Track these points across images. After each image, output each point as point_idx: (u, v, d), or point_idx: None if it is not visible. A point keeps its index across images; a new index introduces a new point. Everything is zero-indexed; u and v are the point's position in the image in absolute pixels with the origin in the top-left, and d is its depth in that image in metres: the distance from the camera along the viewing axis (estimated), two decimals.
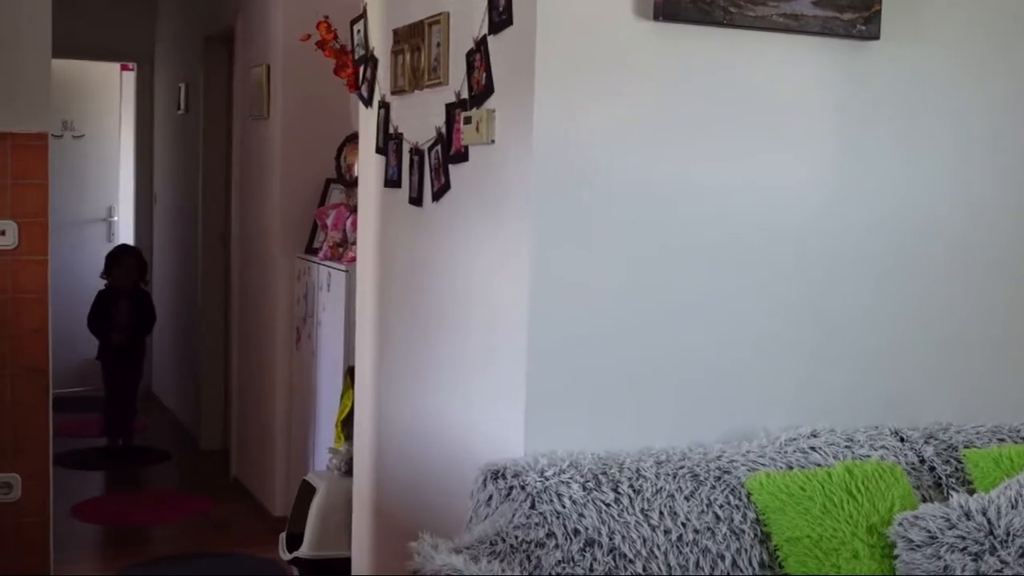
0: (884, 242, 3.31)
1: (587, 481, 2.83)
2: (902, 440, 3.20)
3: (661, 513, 2.83)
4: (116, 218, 8.31)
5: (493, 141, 3.14)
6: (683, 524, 2.83)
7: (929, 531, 2.81)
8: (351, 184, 4.76)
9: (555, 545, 2.73)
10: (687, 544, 2.81)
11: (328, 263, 4.71)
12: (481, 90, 3.18)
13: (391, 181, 3.81)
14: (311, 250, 5.08)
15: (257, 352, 5.56)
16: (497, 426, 3.11)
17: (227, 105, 6.50)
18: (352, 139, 4.81)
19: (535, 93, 2.93)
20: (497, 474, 2.88)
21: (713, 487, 2.92)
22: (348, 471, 4.36)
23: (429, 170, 3.51)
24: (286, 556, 4.37)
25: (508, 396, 3.06)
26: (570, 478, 2.82)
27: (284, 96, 5.15)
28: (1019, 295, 3.49)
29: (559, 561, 2.72)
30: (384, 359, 3.91)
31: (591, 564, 2.72)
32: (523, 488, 2.82)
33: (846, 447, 3.11)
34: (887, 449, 3.14)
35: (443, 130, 3.42)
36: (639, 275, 3.07)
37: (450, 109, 3.37)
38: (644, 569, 2.74)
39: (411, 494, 3.69)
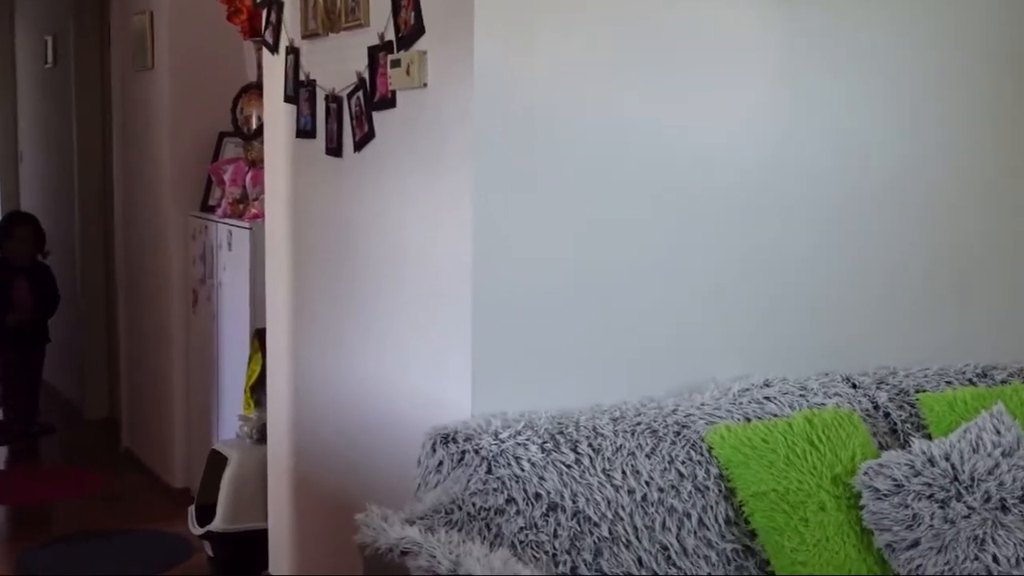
0: (828, 188, 3.22)
1: (545, 442, 2.68)
2: (854, 387, 3.13)
3: (623, 472, 2.70)
4: None
5: (425, 85, 2.94)
6: (647, 483, 2.70)
7: (895, 479, 2.74)
8: (249, 137, 4.50)
9: (516, 511, 2.58)
10: (652, 504, 2.68)
11: (229, 221, 4.45)
12: (410, 30, 2.98)
13: (304, 131, 3.58)
14: (207, 208, 4.81)
15: (148, 317, 5.27)
16: (439, 389, 2.94)
17: (101, 57, 6.13)
18: (249, 89, 4.55)
19: (475, 32, 2.74)
20: (447, 438, 2.72)
21: (673, 443, 2.80)
22: (260, 439, 4.14)
23: (350, 118, 3.30)
24: (197, 531, 4.14)
25: (451, 357, 2.89)
26: (527, 439, 2.68)
27: (171, 45, 4.84)
28: (957, 240, 3.44)
29: (521, 528, 2.57)
30: (301, 321, 3.70)
31: (555, 529, 2.58)
32: (477, 452, 2.66)
33: (800, 396, 3.02)
34: (841, 396, 3.06)
35: (365, 75, 3.21)
36: (585, 227, 2.92)
37: (373, 52, 3.16)
38: (610, 532, 2.61)
39: (338, 461, 3.50)
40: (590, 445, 2.72)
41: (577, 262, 2.92)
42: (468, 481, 2.64)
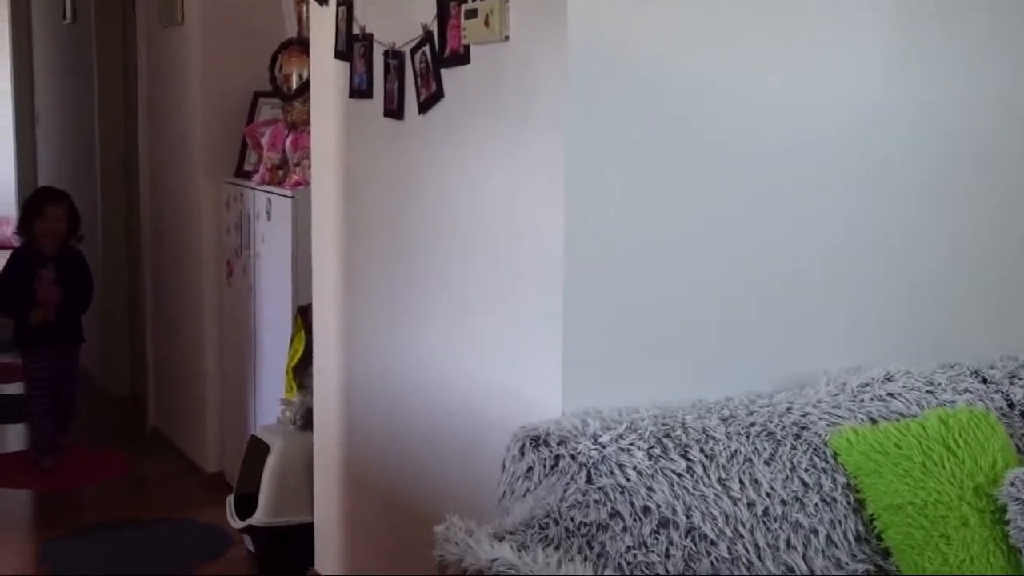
0: (949, 157, 2.87)
1: (651, 447, 2.35)
2: (984, 381, 2.79)
3: (741, 482, 2.37)
4: None
5: (507, 38, 2.60)
6: (768, 495, 2.37)
7: None
8: (289, 97, 4.15)
9: (622, 527, 2.26)
10: (775, 519, 2.35)
11: (268, 188, 4.11)
12: None
13: (358, 91, 3.24)
14: (242, 173, 4.47)
15: (178, 289, 4.94)
16: (523, 382, 2.61)
17: (123, 13, 5.77)
18: (289, 45, 4.20)
19: None
20: (538, 440, 2.39)
21: (793, 447, 2.47)
22: (305, 424, 3.82)
23: (413, 76, 2.95)
24: (237, 524, 3.82)
25: (538, 346, 2.55)
26: (631, 444, 2.34)
27: None
28: None
29: (629, 547, 2.24)
30: (353, 300, 3.37)
31: (666, 548, 2.26)
32: (574, 458, 2.33)
33: (927, 392, 2.68)
34: (971, 393, 2.72)
35: (432, 27, 2.86)
36: (687, 201, 2.58)
37: (443, 2, 2.81)
38: (729, 552, 2.28)
39: (396, 456, 3.17)
40: (701, 450, 2.38)
41: (678, 241, 2.58)
42: (564, 491, 2.31)
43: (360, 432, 3.39)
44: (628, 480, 2.29)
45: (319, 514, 3.69)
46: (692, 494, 2.31)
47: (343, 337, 3.45)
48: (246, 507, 3.82)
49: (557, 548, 2.24)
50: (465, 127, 2.78)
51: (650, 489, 2.29)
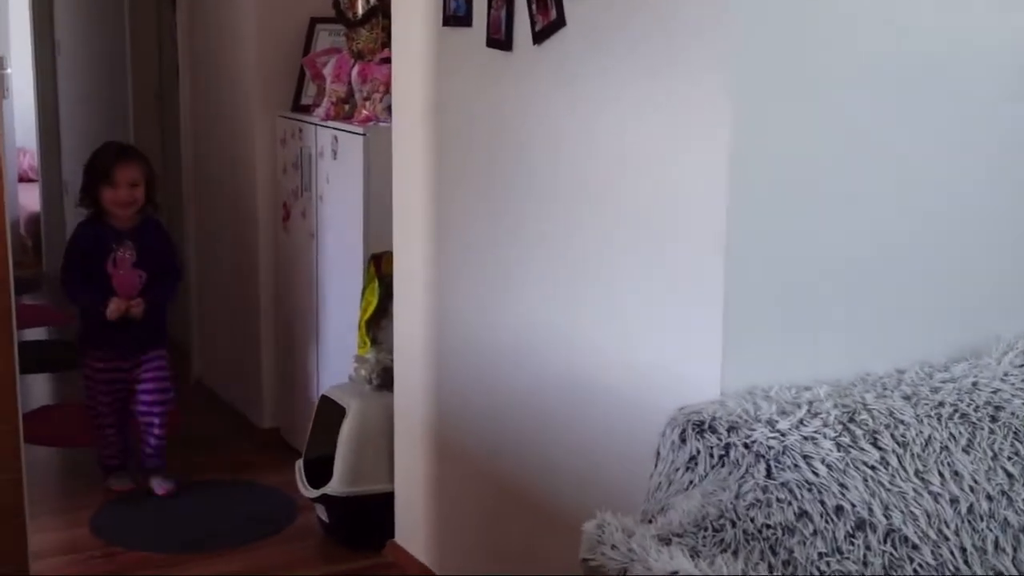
0: None
1: (838, 435, 2.04)
2: None
3: (941, 475, 2.06)
4: (9, 70, 7.11)
5: None
6: (971, 488, 2.06)
7: None
8: (355, 23, 3.78)
9: (812, 531, 1.95)
10: (981, 517, 2.05)
11: (333, 124, 3.75)
12: None
13: (455, 18, 2.89)
14: (299, 107, 4.11)
15: (225, 232, 4.59)
16: (670, 353, 2.30)
17: None
18: None
19: None
20: (702, 426, 2.08)
21: (991, 431, 2.16)
22: (382, 384, 3.51)
23: (529, 2, 2.60)
24: (310, 492, 3.53)
25: (691, 314, 2.24)
26: (815, 431, 2.03)
27: None
28: None
29: (822, 554, 1.94)
30: (444, 253, 3.04)
31: (864, 555, 1.95)
32: (748, 448, 2.02)
33: None
34: None
35: None
36: (861, 144, 2.25)
37: None
38: (934, 556, 1.98)
39: (501, 428, 2.86)
40: (893, 438, 2.07)
41: (846, 192, 2.26)
42: (740, 487, 2.00)
43: (453, 397, 3.08)
44: (816, 475, 1.98)
45: (400, 483, 3.39)
46: (889, 490, 2.00)
47: (431, 293, 3.12)
48: (318, 473, 3.52)
49: (735, 554, 1.95)
50: (594, 61, 2.43)
51: (842, 485, 1.98)
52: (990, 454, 2.11)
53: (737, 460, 2.02)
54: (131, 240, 3.83)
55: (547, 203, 2.61)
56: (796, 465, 1.99)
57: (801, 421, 2.04)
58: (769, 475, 1.99)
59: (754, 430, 2.03)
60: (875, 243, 2.30)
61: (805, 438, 2.01)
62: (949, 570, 1.98)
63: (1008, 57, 2.36)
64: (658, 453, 2.15)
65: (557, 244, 2.59)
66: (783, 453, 2.00)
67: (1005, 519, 2.05)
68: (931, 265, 2.38)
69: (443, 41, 2.95)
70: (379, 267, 3.59)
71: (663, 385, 2.29)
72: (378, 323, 3.62)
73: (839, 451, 2.01)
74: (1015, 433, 2.16)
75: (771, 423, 2.04)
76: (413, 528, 3.36)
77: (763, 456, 2.00)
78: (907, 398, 2.18)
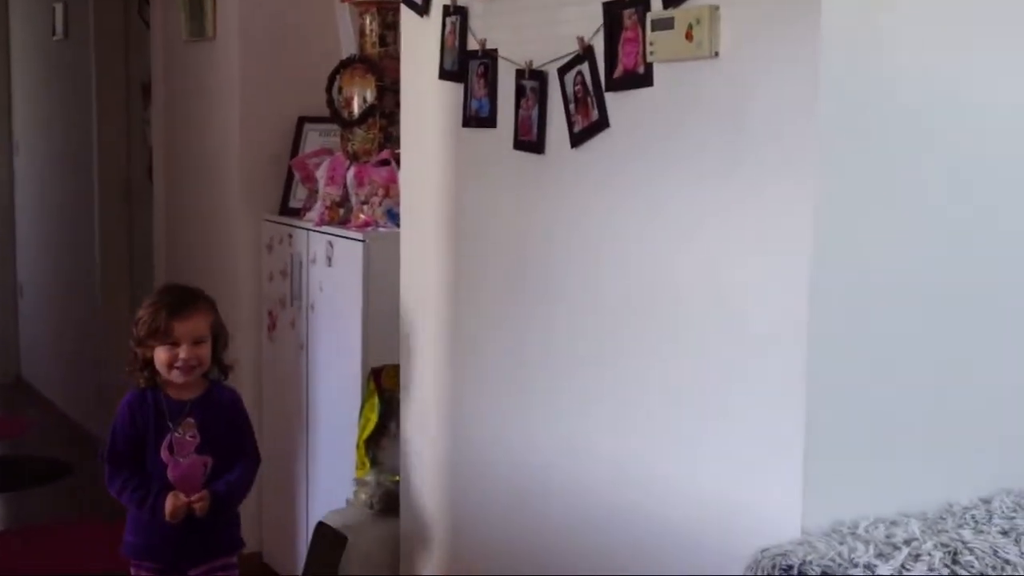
0: None
1: None
2: None
3: None
4: None
5: (717, 54, 2.07)
6: None
7: None
8: (351, 123, 3.59)
9: None
10: None
11: (328, 230, 3.54)
12: None
13: (477, 119, 2.70)
14: (287, 211, 3.90)
15: None
16: (741, 484, 2.07)
17: (126, 26, 5.18)
18: (350, 63, 3.63)
19: None
20: (790, 570, 1.85)
21: None
22: (385, 508, 3.26)
23: (564, 101, 2.42)
24: None
25: (766, 440, 2.02)
26: None
27: (240, 9, 3.90)
28: None
29: None
30: (461, 367, 2.82)
31: None
32: None
33: None
34: None
35: (592, 42, 2.33)
36: (951, 251, 2.07)
37: (613, 10, 2.28)
38: None
39: (533, 561, 2.62)
40: None
41: (925, 306, 2.07)
42: None
43: (470, 527, 2.83)
44: None
45: None
46: None
47: (442, 411, 2.90)
48: None
49: None
50: (642, 165, 2.24)
51: None
52: None
53: None
54: (193, 416, 2.93)
55: (586, 318, 2.40)
56: None
57: (903, 565, 1.82)
58: None
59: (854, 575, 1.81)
60: (958, 359, 2.11)
61: None
62: None
63: None
64: None
65: (599, 363, 2.37)
66: None
67: None
68: (1015, 381, 2.19)
69: (462, 143, 2.77)
70: (379, 382, 3.35)
71: (734, 521, 2.07)
72: (378, 442, 3.37)
73: None
74: None
75: (870, 567, 1.82)
76: None
77: None
78: (1005, 533, 1.97)
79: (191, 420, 2.93)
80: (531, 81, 2.52)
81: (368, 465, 3.36)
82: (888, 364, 2.03)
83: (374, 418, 3.36)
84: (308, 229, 3.66)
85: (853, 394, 2.00)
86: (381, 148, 3.55)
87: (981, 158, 2.07)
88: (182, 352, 2.86)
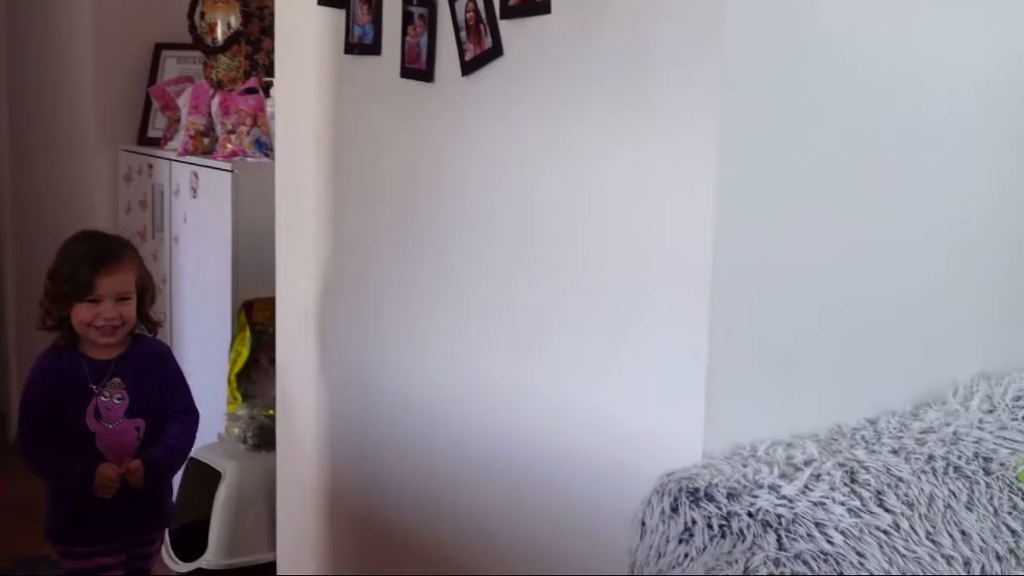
0: None
1: (847, 499, 1.89)
2: None
3: (951, 536, 1.94)
4: None
5: None
6: (981, 549, 1.95)
7: None
8: (215, 50, 3.48)
9: None
10: None
11: (193, 160, 3.44)
12: None
13: (360, 46, 2.64)
14: (146, 141, 3.76)
15: None
16: (645, 413, 2.10)
17: None
18: None
19: None
20: (697, 493, 1.89)
21: (988, 485, 2.05)
22: (259, 443, 3.22)
23: (455, 28, 2.38)
24: (179, 567, 3.19)
25: (667, 368, 2.05)
26: (823, 496, 1.88)
27: None
28: None
29: None
30: (344, 298, 2.78)
31: None
32: (754, 517, 1.85)
33: None
34: None
35: None
36: (845, 184, 2.12)
37: None
38: None
39: (420, 492, 2.61)
40: (898, 498, 1.94)
41: (829, 245, 2.12)
42: (748, 560, 1.83)
43: (353, 459, 2.81)
44: (832, 544, 1.83)
45: (284, 553, 3.09)
46: (905, 556, 1.87)
47: (323, 342, 2.85)
48: (188, 544, 3.19)
49: None
50: (540, 96, 2.23)
51: (860, 554, 1.83)
52: (991, 510, 2.01)
53: (742, 531, 1.85)
54: (119, 376, 2.61)
55: (483, 252, 2.38)
56: (809, 535, 1.83)
57: (807, 485, 1.88)
58: (781, 546, 1.82)
59: (757, 497, 1.86)
60: (843, 295, 2.17)
61: (814, 504, 1.86)
62: None
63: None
64: (643, 523, 1.95)
65: (498, 296, 2.36)
66: (794, 522, 1.84)
67: None
68: (889, 315, 2.26)
69: (344, 70, 2.70)
70: (250, 315, 3.29)
71: (638, 448, 2.10)
72: (250, 376, 3.33)
73: (851, 516, 1.86)
74: (1010, 487, 2.06)
75: (775, 488, 1.87)
76: None
77: (771, 526, 1.84)
78: (895, 452, 2.05)
79: (117, 380, 2.60)
80: (419, 8, 2.47)
81: (240, 399, 3.32)
82: (784, 298, 2.07)
83: (245, 352, 3.31)
84: (170, 159, 3.55)
85: (750, 325, 2.03)
86: (247, 76, 3.46)
87: (887, 92, 2.11)
88: (105, 310, 2.54)
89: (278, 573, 3.10)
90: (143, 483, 2.57)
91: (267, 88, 3.47)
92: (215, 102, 3.44)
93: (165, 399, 2.67)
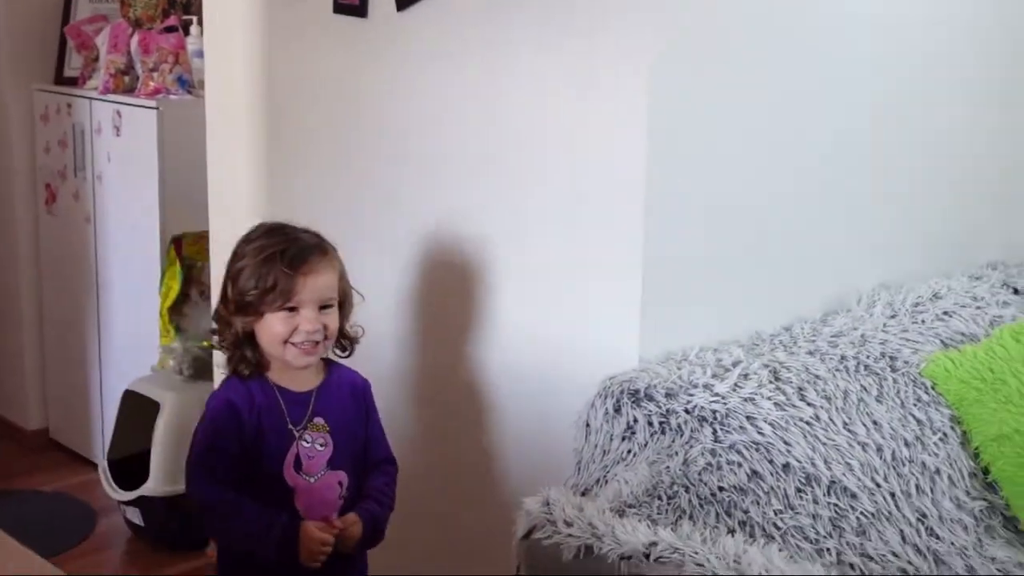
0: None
1: (773, 394, 2.08)
2: (1016, 292, 2.68)
3: (865, 426, 2.15)
4: None
5: None
6: (891, 436, 2.17)
7: None
8: None
9: (765, 489, 1.99)
10: (903, 462, 2.15)
11: (116, 98, 3.47)
12: None
13: None
14: (62, 80, 3.77)
15: None
16: (587, 325, 2.26)
17: None
18: None
19: None
20: (638, 394, 2.07)
21: (895, 380, 2.27)
22: (195, 374, 3.31)
23: None
24: (121, 495, 3.28)
25: (606, 286, 2.21)
26: (753, 392, 2.07)
27: None
28: None
29: (778, 511, 1.98)
30: None
31: (813, 508, 2.01)
32: (691, 413, 2.03)
33: (977, 308, 2.55)
34: (1011, 305, 2.62)
35: None
36: (757, 120, 2.30)
37: None
38: (871, 503, 2.06)
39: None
40: (817, 392, 2.14)
41: (745, 171, 2.31)
42: (687, 453, 2.01)
43: None
44: (762, 434, 2.02)
45: None
46: (825, 444, 2.07)
47: None
48: (128, 474, 3.28)
49: (692, 519, 1.96)
50: (477, 30, 2.35)
51: (786, 443, 2.03)
52: (899, 402, 2.23)
53: (680, 426, 2.03)
54: (322, 415, 2.03)
55: (422, 186, 2.50)
56: (741, 427, 2.02)
57: (737, 384, 2.07)
58: (716, 439, 2.01)
59: (693, 395, 2.04)
60: (760, 218, 2.35)
61: (745, 399, 2.04)
62: (884, 515, 2.07)
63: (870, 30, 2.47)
64: (587, 424, 2.12)
65: (438, 226, 2.49)
66: (727, 416, 2.02)
67: (923, 463, 2.17)
68: (799, 235, 2.45)
69: (273, 6, 2.78)
70: (180, 250, 3.37)
71: (580, 356, 2.26)
72: (180, 310, 3.41)
73: (778, 409, 2.05)
74: (914, 381, 2.28)
75: (708, 387, 2.05)
76: None
77: (707, 420, 2.02)
78: (811, 354, 2.25)
79: (319, 420, 2.02)
80: None
81: (173, 333, 3.39)
82: (709, 222, 2.24)
83: (176, 286, 3.38)
84: (91, 98, 3.57)
85: (680, 246, 2.20)
86: (166, 15, 3.51)
87: (814, 19, 2.28)
88: (306, 321, 1.97)
89: None
90: (356, 547, 2.02)
91: (186, 26, 3.52)
92: (134, 41, 3.48)
93: (367, 445, 2.11)
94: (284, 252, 1.97)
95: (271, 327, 1.97)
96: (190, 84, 3.44)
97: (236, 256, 2.03)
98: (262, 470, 1.96)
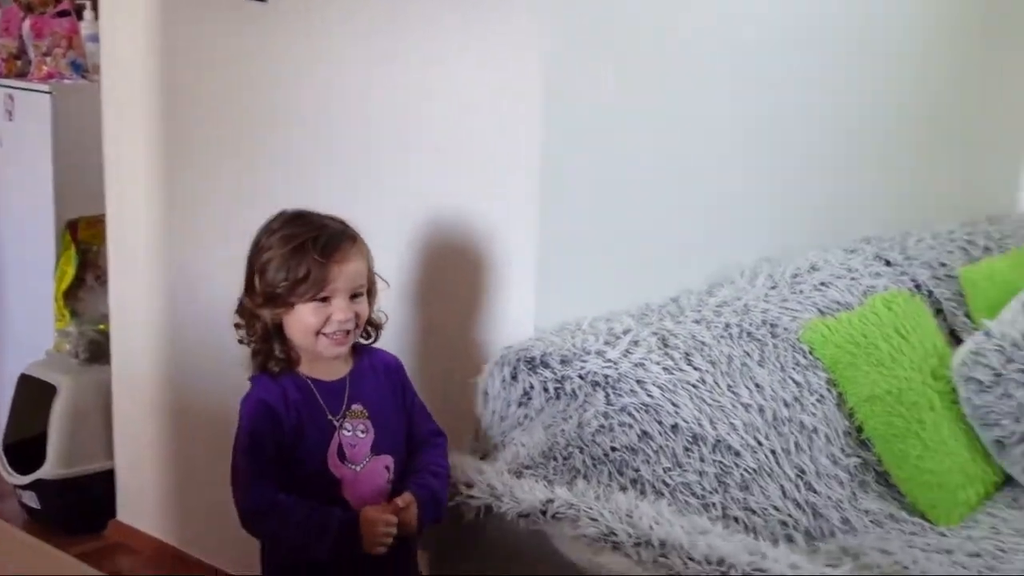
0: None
1: (662, 359, 2.19)
2: (888, 264, 2.83)
3: (747, 388, 2.27)
4: None
5: None
6: (771, 398, 2.29)
7: (993, 368, 2.50)
8: None
9: (655, 449, 2.10)
10: (783, 422, 2.28)
11: (7, 82, 3.46)
12: None
13: None
14: None
15: None
16: (478, 297, 2.35)
17: None
18: None
19: None
20: (534, 362, 2.16)
21: (775, 346, 2.40)
22: (91, 358, 3.31)
23: None
24: (16, 479, 3.27)
25: (500, 262, 2.30)
26: (642, 358, 2.18)
27: None
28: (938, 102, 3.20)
29: (667, 469, 2.09)
30: (178, 212, 2.91)
31: (700, 465, 2.12)
32: (584, 378, 2.13)
33: (852, 280, 2.69)
34: (883, 276, 2.77)
35: None
36: (646, 96, 2.41)
37: None
38: (753, 460, 2.19)
39: None
40: (703, 357, 2.26)
41: (635, 152, 2.41)
42: (581, 416, 2.11)
43: (190, 363, 2.96)
44: (651, 397, 2.13)
45: (122, 459, 3.22)
46: (711, 405, 2.19)
47: (158, 257, 2.98)
48: (23, 458, 3.28)
49: (586, 478, 2.06)
50: (375, 6, 2.42)
51: (675, 404, 2.14)
52: (779, 366, 2.35)
53: (574, 391, 2.13)
54: (359, 400, 1.97)
55: (318, 158, 2.56)
56: (632, 390, 2.12)
57: (627, 350, 2.17)
58: (608, 402, 2.11)
59: (586, 361, 2.14)
60: (647, 197, 2.46)
61: (635, 365, 2.15)
62: (766, 471, 2.19)
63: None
64: (486, 392, 2.20)
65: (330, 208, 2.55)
66: (619, 381, 2.12)
67: (801, 422, 2.30)
68: (685, 211, 2.56)
69: None
70: (75, 234, 3.37)
71: (479, 327, 2.34)
72: (76, 294, 3.41)
73: (666, 374, 2.16)
74: (792, 346, 2.41)
75: (601, 353, 2.15)
76: (140, 503, 3.20)
77: (600, 385, 2.12)
78: (697, 322, 2.36)
79: (358, 407, 1.96)
80: None
81: (68, 316, 3.39)
82: (599, 201, 2.35)
83: (71, 271, 3.39)
84: None
85: (571, 224, 2.29)
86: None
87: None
88: (338, 310, 1.89)
89: (117, 479, 3.23)
90: (417, 526, 1.92)
91: (79, 10, 3.52)
92: (26, 25, 3.47)
93: (410, 423, 2.04)
94: (316, 240, 1.88)
95: (302, 318, 1.89)
96: (84, 68, 3.45)
97: (260, 248, 1.93)
98: (306, 466, 1.90)
